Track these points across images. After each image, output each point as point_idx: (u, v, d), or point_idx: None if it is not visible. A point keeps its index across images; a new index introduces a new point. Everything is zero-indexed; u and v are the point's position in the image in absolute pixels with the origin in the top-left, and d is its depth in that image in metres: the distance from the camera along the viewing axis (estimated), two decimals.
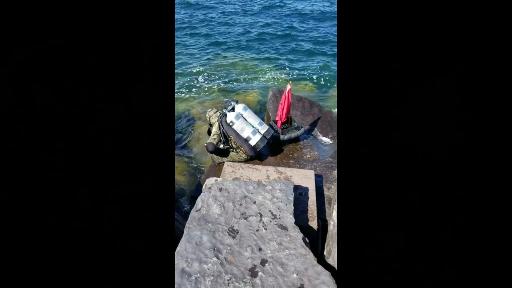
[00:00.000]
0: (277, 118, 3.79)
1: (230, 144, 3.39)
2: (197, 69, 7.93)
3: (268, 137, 3.44)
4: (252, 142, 3.32)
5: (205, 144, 3.44)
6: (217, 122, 3.40)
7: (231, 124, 3.29)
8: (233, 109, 3.46)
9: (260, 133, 3.38)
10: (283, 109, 3.67)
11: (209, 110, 3.76)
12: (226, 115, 3.35)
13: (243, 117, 3.38)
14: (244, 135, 3.31)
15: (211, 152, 3.42)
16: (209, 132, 3.74)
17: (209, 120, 3.69)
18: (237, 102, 3.61)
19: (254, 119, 3.44)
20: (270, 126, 3.66)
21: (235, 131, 3.30)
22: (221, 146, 3.50)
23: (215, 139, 3.38)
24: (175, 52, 8.88)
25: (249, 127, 3.33)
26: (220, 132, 3.34)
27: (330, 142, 4.05)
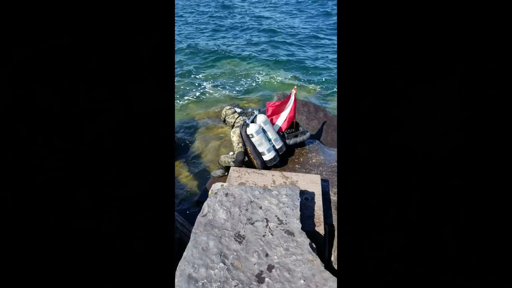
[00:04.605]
0: (276, 121, 3.76)
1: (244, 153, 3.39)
2: (203, 75, 8.01)
3: (280, 153, 3.48)
4: (266, 158, 3.35)
5: (235, 154, 3.41)
6: (238, 131, 3.39)
7: (250, 136, 3.29)
8: (254, 119, 3.44)
9: (275, 150, 3.42)
10: (289, 115, 3.66)
11: (227, 107, 3.74)
12: (248, 125, 3.33)
13: (263, 130, 3.38)
14: (260, 149, 3.33)
15: (240, 162, 3.39)
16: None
17: (224, 118, 3.69)
18: (259, 111, 3.60)
19: (272, 134, 3.47)
20: (279, 135, 3.64)
21: (252, 144, 3.30)
22: (230, 153, 3.51)
23: (241, 147, 3.38)
24: (181, 57, 9.01)
25: (266, 142, 3.35)
26: (242, 141, 3.34)
27: (336, 146, 4.02)
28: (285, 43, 10.57)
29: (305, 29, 12.13)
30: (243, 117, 3.57)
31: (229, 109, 3.69)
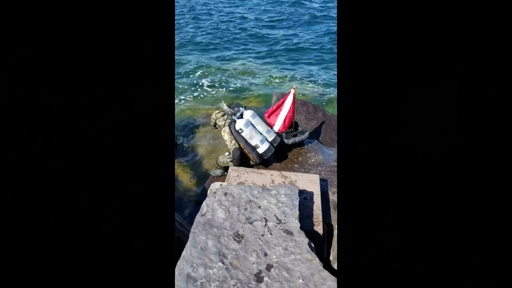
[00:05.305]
0: (272, 122, 3.74)
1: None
2: (201, 74, 7.99)
3: (275, 144, 3.47)
4: (260, 150, 3.35)
5: (231, 152, 3.39)
6: (228, 129, 3.39)
7: (240, 131, 3.29)
8: (241, 116, 3.46)
9: (268, 142, 3.41)
10: (287, 115, 3.66)
11: (216, 111, 3.77)
12: (235, 121, 3.35)
13: (252, 124, 3.38)
14: (253, 142, 3.33)
15: (237, 159, 3.36)
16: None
17: (214, 122, 3.71)
18: (245, 108, 3.61)
19: (262, 127, 3.47)
20: (277, 133, 3.64)
21: (244, 138, 3.30)
22: (226, 153, 3.51)
23: (234, 144, 3.37)
24: (180, 56, 8.99)
25: (258, 135, 3.35)
26: (233, 137, 3.35)
27: (335, 146, 4.02)
28: (284, 43, 10.57)
29: (304, 29, 12.13)
30: (232, 116, 3.60)
31: (218, 112, 3.73)
